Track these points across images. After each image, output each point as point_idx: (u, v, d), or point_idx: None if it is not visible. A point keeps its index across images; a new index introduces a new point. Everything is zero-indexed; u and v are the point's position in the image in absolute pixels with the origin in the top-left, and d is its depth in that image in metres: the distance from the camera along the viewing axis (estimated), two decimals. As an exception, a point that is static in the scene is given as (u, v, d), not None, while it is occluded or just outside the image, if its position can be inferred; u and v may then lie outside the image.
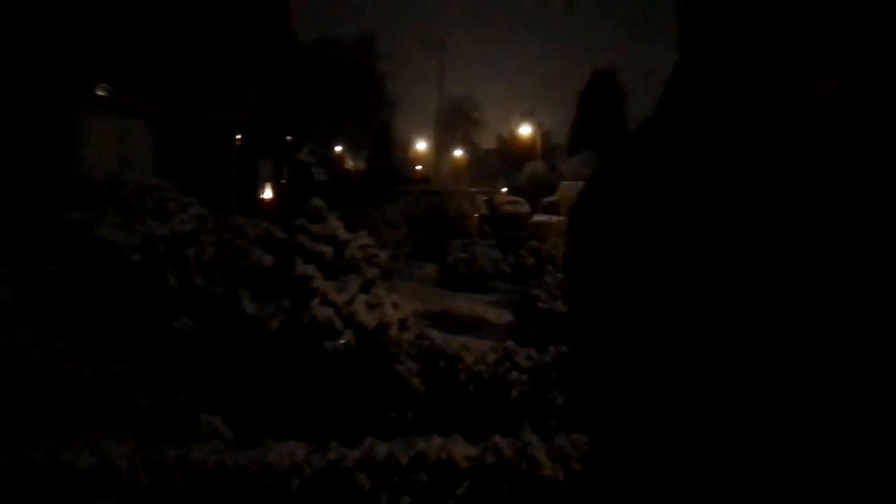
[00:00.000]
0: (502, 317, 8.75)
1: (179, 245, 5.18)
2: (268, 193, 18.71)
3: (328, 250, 4.35)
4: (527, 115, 49.65)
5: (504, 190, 41.65)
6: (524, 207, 29.60)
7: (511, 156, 51.13)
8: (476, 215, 18.61)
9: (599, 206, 0.70)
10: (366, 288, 4.26)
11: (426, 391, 3.92)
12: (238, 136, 15.19)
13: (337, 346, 3.96)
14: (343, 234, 4.41)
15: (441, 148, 55.79)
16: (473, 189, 29.73)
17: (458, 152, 55.07)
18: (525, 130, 48.00)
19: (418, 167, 49.41)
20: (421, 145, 56.50)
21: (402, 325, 4.28)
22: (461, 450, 3.41)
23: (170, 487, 3.32)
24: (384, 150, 47.63)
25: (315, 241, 4.21)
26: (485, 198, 28.40)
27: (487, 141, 60.15)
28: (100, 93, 10.97)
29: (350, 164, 44.88)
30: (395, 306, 4.31)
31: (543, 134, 47.74)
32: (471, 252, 12.45)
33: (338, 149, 42.68)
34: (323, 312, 3.83)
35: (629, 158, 0.70)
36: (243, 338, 3.83)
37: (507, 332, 7.62)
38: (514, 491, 3.59)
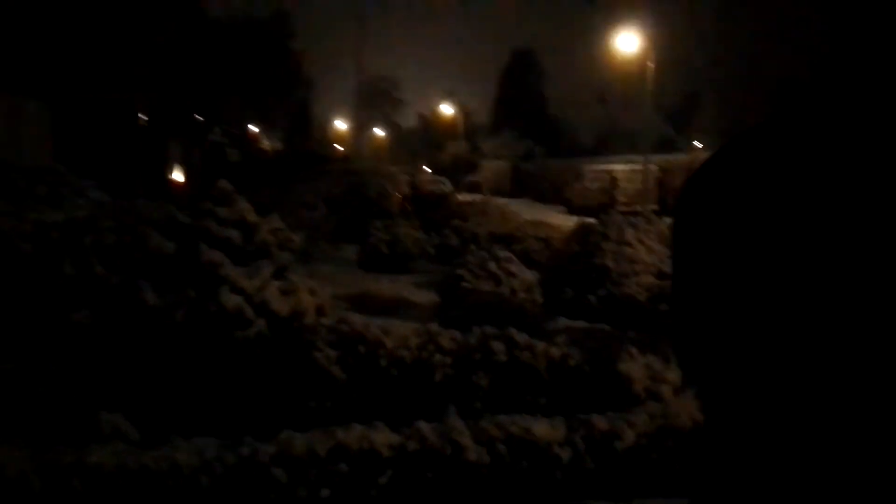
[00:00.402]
0: (426, 298, 8.68)
1: (75, 232, 4.85)
2: (179, 176, 17.97)
3: (236, 235, 4.15)
4: (448, 95, 49.57)
5: (426, 170, 41.54)
6: (447, 187, 29.59)
7: (433, 135, 50.98)
8: (398, 195, 18.43)
9: (719, 189, 0.73)
10: (279, 273, 4.09)
11: (346, 378, 3.80)
12: (143, 117, 14.48)
13: (248, 336, 3.78)
14: (253, 217, 4.21)
15: (361, 128, 55.08)
16: (395, 169, 29.46)
17: (378, 132, 54.53)
18: (446, 110, 47.93)
19: (337, 147, 48.63)
20: (340, 125, 55.61)
21: (320, 310, 4.13)
22: (383, 438, 3.32)
23: (67, 493, 3.10)
24: (302, 129, 46.61)
25: (222, 226, 4.00)
26: (406, 177, 28.19)
27: (408, 120, 59.78)
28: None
29: (266, 144, 43.71)
30: (312, 292, 4.15)
31: (465, 113, 47.81)
32: (393, 232, 12.30)
33: (253, 129, 41.48)
34: (232, 301, 3.64)
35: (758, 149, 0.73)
36: (146, 330, 3.60)
37: (431, 313, 7.55)
38: (438, 477, 3.53)
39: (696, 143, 28.87)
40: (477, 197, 18.20)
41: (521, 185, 39.74)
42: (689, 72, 36.82)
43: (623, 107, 39.07)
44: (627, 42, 27.83)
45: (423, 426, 3.50)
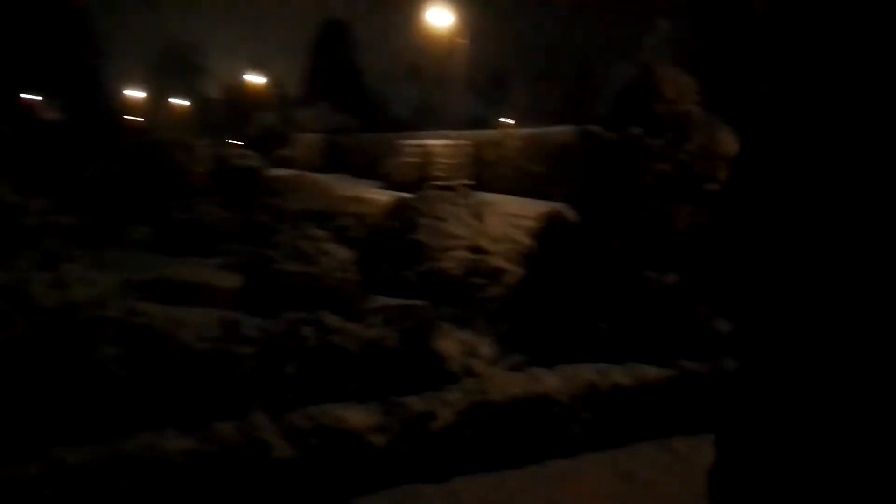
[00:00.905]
0: (233, 282, 8.18)
1: None
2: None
3: (-8, 218, 3.56)
4: (256, 64, 47.40)
5: (235, 143, 39.64)
6: (255, 161, 28.33)
7: (241, 106, 48.67)
8: (200, 170, 17.32)
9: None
10: (48, 263, 3.57)
11: (132, 379, 3.41)
12: None
13: (13, 338, 3.26)
14: (12, 198, 3.64)
15: (160, 97, 51.25)
16: (198, 142, 27.71)
17: (180, 102, 51.05)
18: (255, 80, 45.81)
19: (133, 118, 44.97)
20: (136, 94, 51.40)
21: (100, 302, 3.67)
22: (174, 444, 3.00)
23: None
24: (92, 98, 42.50)
25: (-30, 208, 3.41)
26: (212, 151, 26.63)
27: (214, 90, 56.58)
28: None
29: (49, 114, 39.36)
30: (90, 282, 3.67)
31: (275, 84, 46.05)
32: (194, 211, 11.52)
33: (31, 98, 37.13)
34: (-16, 297, 3.11)
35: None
36: None
37: (238, 298, 7.13)
38: (243, 480, 3.28)
39: (506, 120, 29.96)
40: (289, 172, 17.56)
41: (337, 159, 39.06)
42: (498, 51, 38.12)
43: (437, 82, 39.63)
44: (439, 17, 28.14)
45: (222, 427, 3.22)
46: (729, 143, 4.91)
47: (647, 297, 4.64)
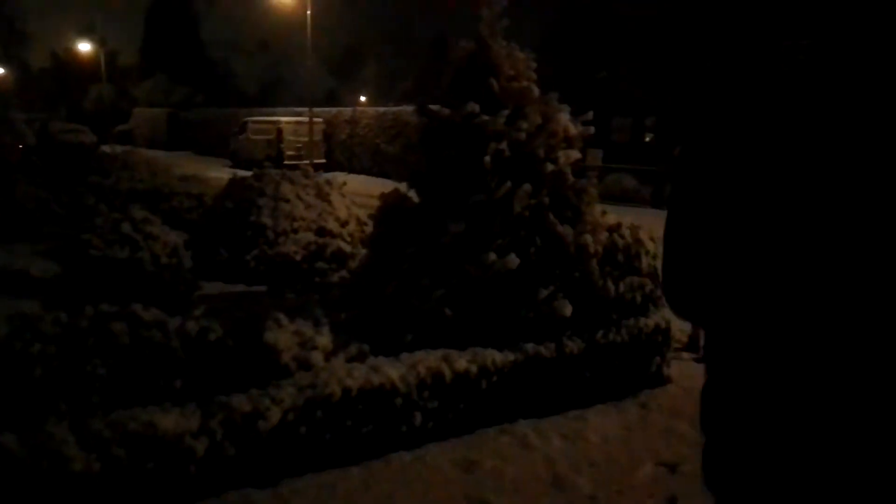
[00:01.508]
0: (49, 270, 7.38)
1: None
2: None
3: None
4: (86, 31, 43.65)
5: (66, 117, 36.44)
6: (88, 137, 26.19)
7: (71, 77, 44.82)
8: (19, 146, 15.69)
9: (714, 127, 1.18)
10: None
11: None
12: None
13: None
14: None
15: (-26, 64, 46.15)
16: (20, 116, 25.23)
17: (-2, 70, 46.24)
18: (85, 48, 42.22)
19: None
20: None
21: None
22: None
23: None
24: None
25: None
26: (34, 125, 24.32)
27: (39, 59, 51.70)
28: None
29: None
30: None
31: (108, 53, 42.72)
32: (13, 192, 10.36)
33: None
34: None
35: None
36: None
37: (53, 288, 6.42)
38: (32, 500, 2.85)
39: (362, 98, 29.53)
40: (124, 149, 16.27)
41: (182, 135, 36.97)
42: (354, 25, 37.37)
43: (287, 57, 38.32)
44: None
45: (3, 439, 2.77)
46: (568, 122, 4.92)
47: (489, 281, 4.56)
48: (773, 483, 1.18)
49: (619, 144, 32.05)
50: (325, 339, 4.09)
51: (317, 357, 3.95)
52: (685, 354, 6.03)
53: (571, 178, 5.08)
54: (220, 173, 16.41)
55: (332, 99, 34.51)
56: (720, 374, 1.30)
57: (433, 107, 4.93)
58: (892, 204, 1.01)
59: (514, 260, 4.62)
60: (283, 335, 3.97)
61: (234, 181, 7.98)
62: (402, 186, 4.94)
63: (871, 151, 1.03)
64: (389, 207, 4.92)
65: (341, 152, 26.83)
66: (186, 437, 3.24)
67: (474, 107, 4.64)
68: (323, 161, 25.19)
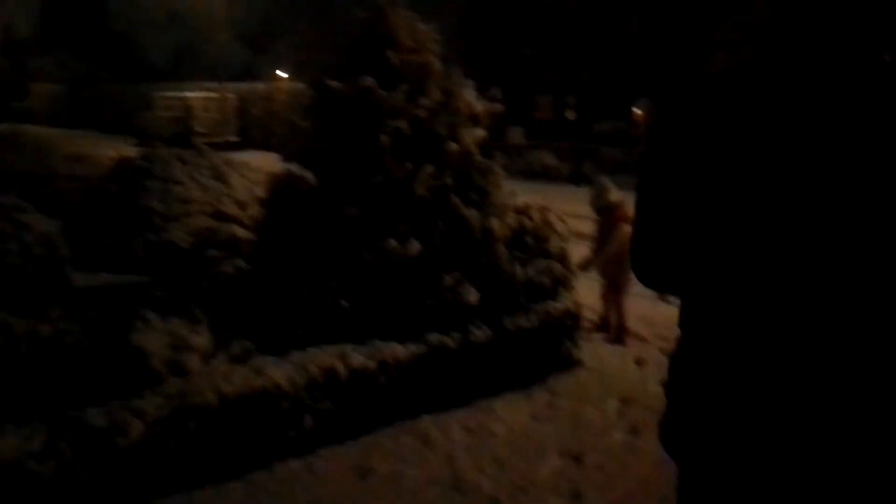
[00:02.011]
0: None
1: None
2: None
3: None
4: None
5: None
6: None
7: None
8: None
9: (681, 105, 1.29)
10: None
11: None
12: None
13: None
14: None
15: None
16: None
17: None
18: (-26, 17, 39.17)
19: None
20: None
21: None
22: None
23: None
24: None
25: None
26: None
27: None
28: None
29: None
30: None
31: (2, 25, 39.92)
32: None
33: None
34: None
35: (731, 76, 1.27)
36: None
37: None
38: None
39: (280, 73, 28.49)
40: (6, 126, 15.10)
41: (84, 112, 35.00)
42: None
43: (199, 29, 36.72)
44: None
45: None
46: (473, 99, 4.65)
47: (389, 269, 4.26)
48: (737, 447, 1.26)
49: (542, 122, 32.18)
50: (202, 339, 3.71)
51: (192, 360, 3.57)
52: (596, 335, 5.91)
53: (478, 158, 4.82)
54: (118, 152, 15.49)
55: (247, 73, 33.26)
56: (691, 340, 1.38)
57: (326, 80, 4.56)
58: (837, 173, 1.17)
59: (415, 246, 4.34)
60: (153, 336, 3.58)
61: (121, 162, 7.39)
62: (293, 167, 4.57)
63: (810, 127, 1.19)
64: (281, 189, 4.55)
65: (257, 129, 25.89)
66: (29, 461, 2.83)
67: (370, 81, 4.30)
68: (236, 139, 24.27)
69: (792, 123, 1.20)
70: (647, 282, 1.43)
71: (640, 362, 5.29)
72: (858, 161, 1.17)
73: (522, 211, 5.08)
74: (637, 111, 28.63)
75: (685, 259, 1.32)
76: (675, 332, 1.42)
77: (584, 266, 5.76)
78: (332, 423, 3.84)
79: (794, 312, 1.20)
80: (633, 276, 5.82)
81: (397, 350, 4.17)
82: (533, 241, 5.01)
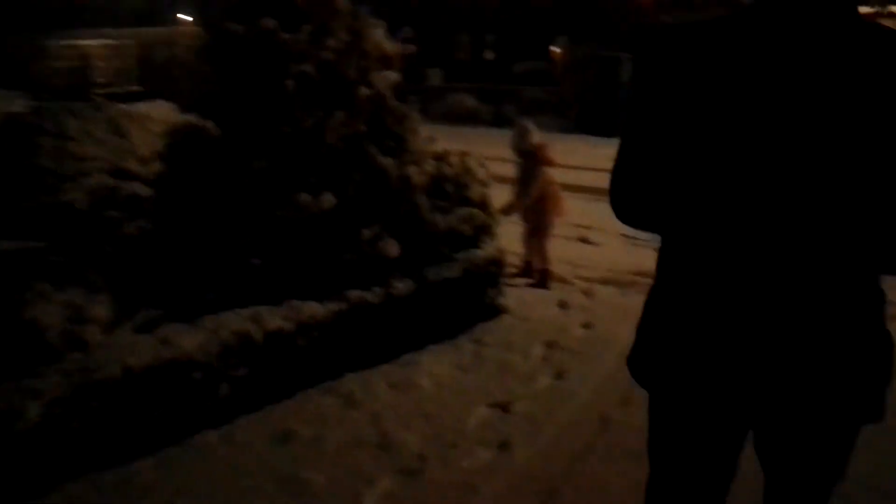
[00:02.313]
0: None
1: None
2: None
3: None
4: None
5: None
6: None
7: None
8: None
9: (658, 54, 1.44)
10: None
11: None
12: None
13: None
14: None
15: None
16: None
17: None
18: None
19: None
20: None
21: None
22: None
23: None
24: None
25: None
26: None
27: None
28: None
29: None
30: None
31: None
32: None
33: None
34: None
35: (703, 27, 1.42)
36: None
37: None
38: None
39: (183, 16, 26.97)
40: None
41: (-30, 65, 32.45)
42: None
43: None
44: None
45: None
46: (383, 40, 4.42)
47: (303, 224, 4.07)
48: (704, 369, 1.48)
49: (461, 62, 31.73)
50: (102, 309, 3.46)
51: (92, 332, 3.33)
52: (520, 280, 5.90)
53: (392, 103, 4.62)
54: (9, 108, 14.43)
55: (148, 18, 31.43)
56: (666, 278, 1.58)
57: (226, 23, 4.24)
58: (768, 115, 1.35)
59: (329, 199, 4.15)
60: (48, 308, 3.31)
61: (9, 118, 6.81)
62: (193, 117, 4.27)
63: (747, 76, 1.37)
64: (180, 142, 4.25)
65: (160, 78, 24.59)
66: None
67: (271, 22, 4.02)
68: (139, 88, 23.02)
69: (757, 66, 1.35)
70: (625, 217, 1.56)
71: (563, 305, 5.30)
72: (816, 103, 1.32)
73: (441, 157, 4.93)
74: (556, 50, 28.57)
75: (664, 194, 1.46)
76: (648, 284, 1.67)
77: (507, 210, 5.70)
78: (249, 389, 3.69)
79: (753, 241, 1.39)
80: (553, 219, 5.85)
81: (316, 309, 4.02)
82: (453, 188, 4.89)
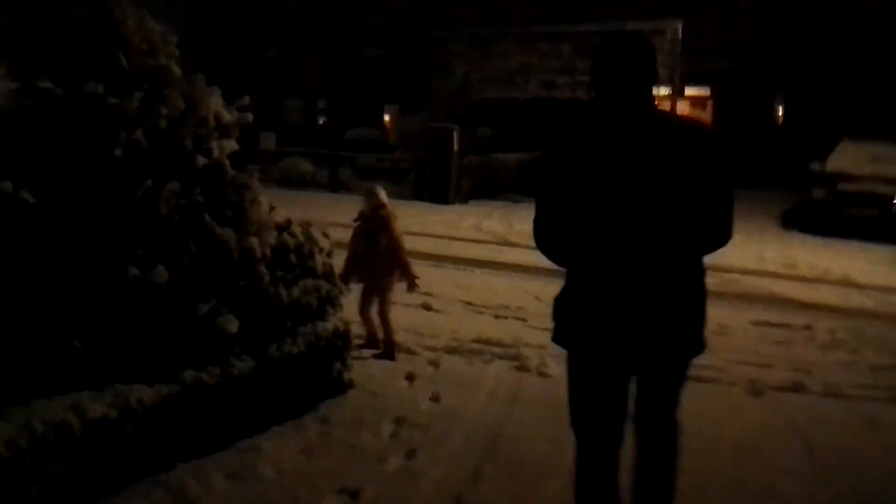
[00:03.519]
0: None
1: None
2: None
3: None
4: None
5: None
6: None
7: None
8: None
9: (550, 149, 2.66)
10: None
11: None
12: None
13: None
14: None
15: None
16: None
17: None
18: None
19: None
20: None
21: None
22: None
23: None
24: None
25: None
26: None
27: None
28: None
29: None
30: None
31: None
32: None
33: None
34: None
35: (562, 135, 2.66)
36: None
37: None
38: None
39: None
40: None
41: None
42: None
43: None
44: None
45: None
46: (220, 108, 4.31)
47: (133, 300, 3.79)
48: (592, 326, 2.63)
49: (293, 127, 31.66)
50: None
51: None
52: (365, 352, 5.83)
53: (231, 172, 4.48)
54: None
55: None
56: (569, 280, 2.70)
57: (41, 83, 3.94)
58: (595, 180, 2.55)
59: (162, 273, 3.89)
60: None
61: None
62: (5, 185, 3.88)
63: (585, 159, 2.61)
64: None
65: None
66: None
67: (97, 87, 3.79)
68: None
69: (598, 153, 2.56)
70: (544, 252, 2.72)
71: (410, 377, 5.29)
72: (638, 168, 2.48)
73: (284, 227, 4.82)
74: (387, 118, 29.27)
75: (563, 230, 2.62)
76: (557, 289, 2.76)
77: (345, 277, 5.64)
78: (66, 487, 3.31)
79: (606, 251, 2.54)
80: (394, 282, 5.86)
81: (145, 393, 3.72)
82: (297, 259, 4.78)
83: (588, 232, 2.52)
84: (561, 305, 2.68)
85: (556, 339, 2.71)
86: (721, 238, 2.58)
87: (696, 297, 2.60)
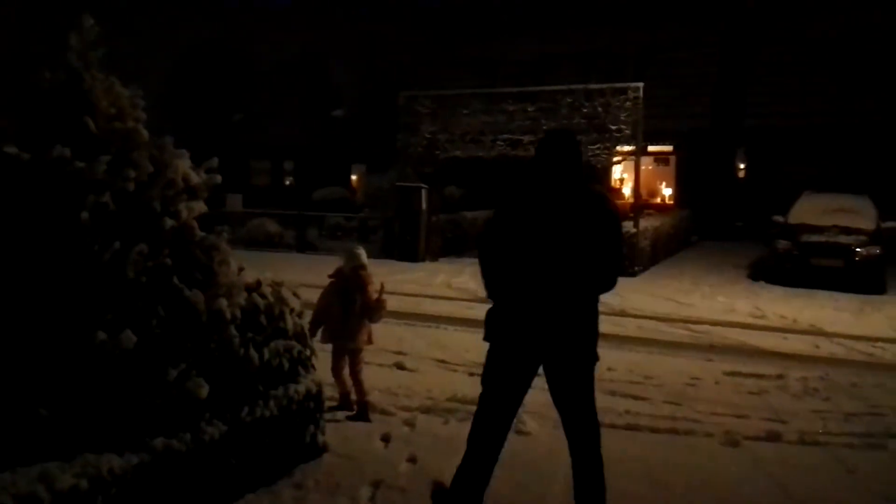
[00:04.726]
0: None
1: None
2: None
3: None
4: None
5: None
6: None
7: None
8: None
9: (498, 211, 3.90)
10: None
11: None
12: None
13: None
14: None
15: None
16: None
17: None
18: None
19: None
20: None
21: None
22: None
23: None
24: None
25: None
26: None
27: None
28: None
29: None
30: None
31: None
32: None
33: None
34: None
35: (508, 196, 3.89)
36: None
37: None
38: None
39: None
40: None
41: None
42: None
43: None
44: None
45: None
46: (188, 170, 4.35)
47: (100, 366, 3.74)
48: (509, 330, 3.76)
49: (260, 188, 31.74)
50: None
51: None
52: (339, 414, 5.78)
53: (199, 234, 4.49)
54: None
55: None
56: (498, 299, 3.84)
57: (16, 151, 3.96)
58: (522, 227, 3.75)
59: (130, 337, 3.86)
60: None
61: None
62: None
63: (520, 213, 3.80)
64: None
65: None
66: None
67: (64, 151, 3.81)
68: None
69: (528, 214, 3.74)
70: (485, 271, 3.87)
71: (386, 439, 5.24)
72: (556, 227, 3.64)
73: (254, 288, 4.82)
74: (354, 177, 29.49)
75: (497, 264, 3.80)
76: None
77: (312, 331, 5.61)
78: (31, 565, 3.20)
79: (526, 275, 3.67)
80: (365, 340, 5.84)
81: (114, 462, 3.64)
82: (267, 320, 4.77)
83: (515, 267, 3.67)
84: (491, 316, 3.80)
85: (486, 337, 3.82)
86: (610, 281, 3.69)
87: (589, 318, 3.67)
